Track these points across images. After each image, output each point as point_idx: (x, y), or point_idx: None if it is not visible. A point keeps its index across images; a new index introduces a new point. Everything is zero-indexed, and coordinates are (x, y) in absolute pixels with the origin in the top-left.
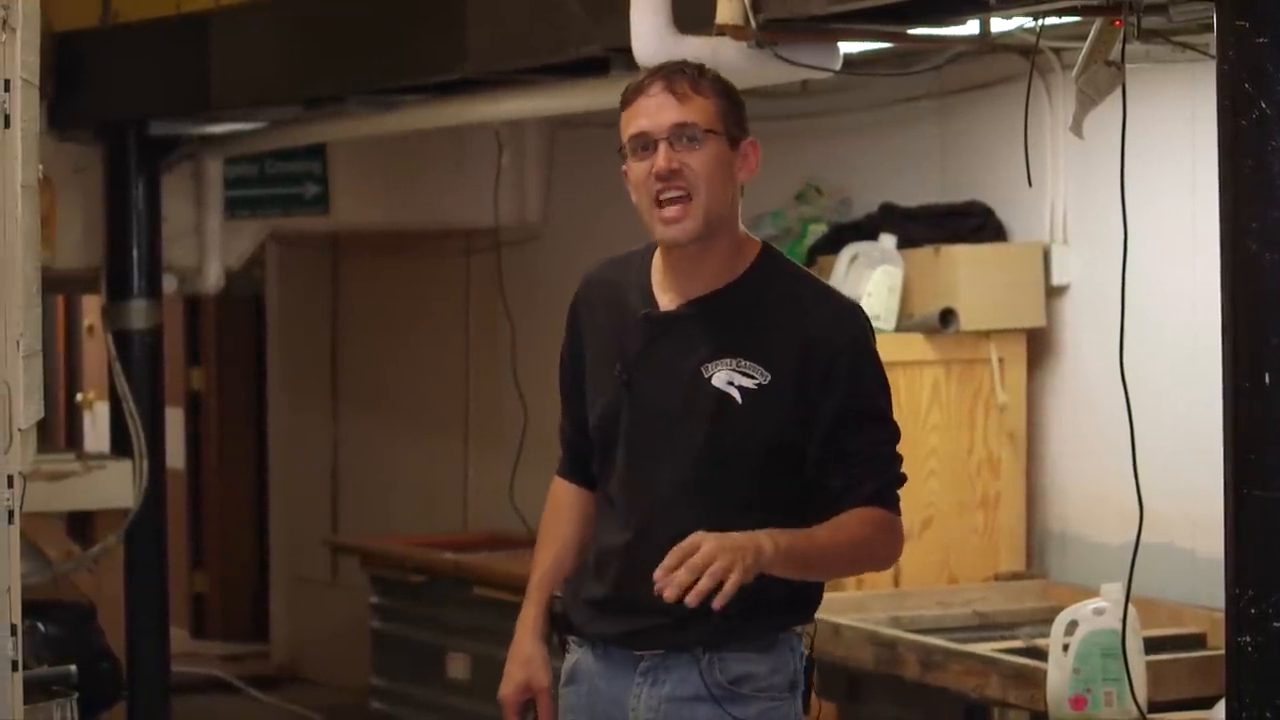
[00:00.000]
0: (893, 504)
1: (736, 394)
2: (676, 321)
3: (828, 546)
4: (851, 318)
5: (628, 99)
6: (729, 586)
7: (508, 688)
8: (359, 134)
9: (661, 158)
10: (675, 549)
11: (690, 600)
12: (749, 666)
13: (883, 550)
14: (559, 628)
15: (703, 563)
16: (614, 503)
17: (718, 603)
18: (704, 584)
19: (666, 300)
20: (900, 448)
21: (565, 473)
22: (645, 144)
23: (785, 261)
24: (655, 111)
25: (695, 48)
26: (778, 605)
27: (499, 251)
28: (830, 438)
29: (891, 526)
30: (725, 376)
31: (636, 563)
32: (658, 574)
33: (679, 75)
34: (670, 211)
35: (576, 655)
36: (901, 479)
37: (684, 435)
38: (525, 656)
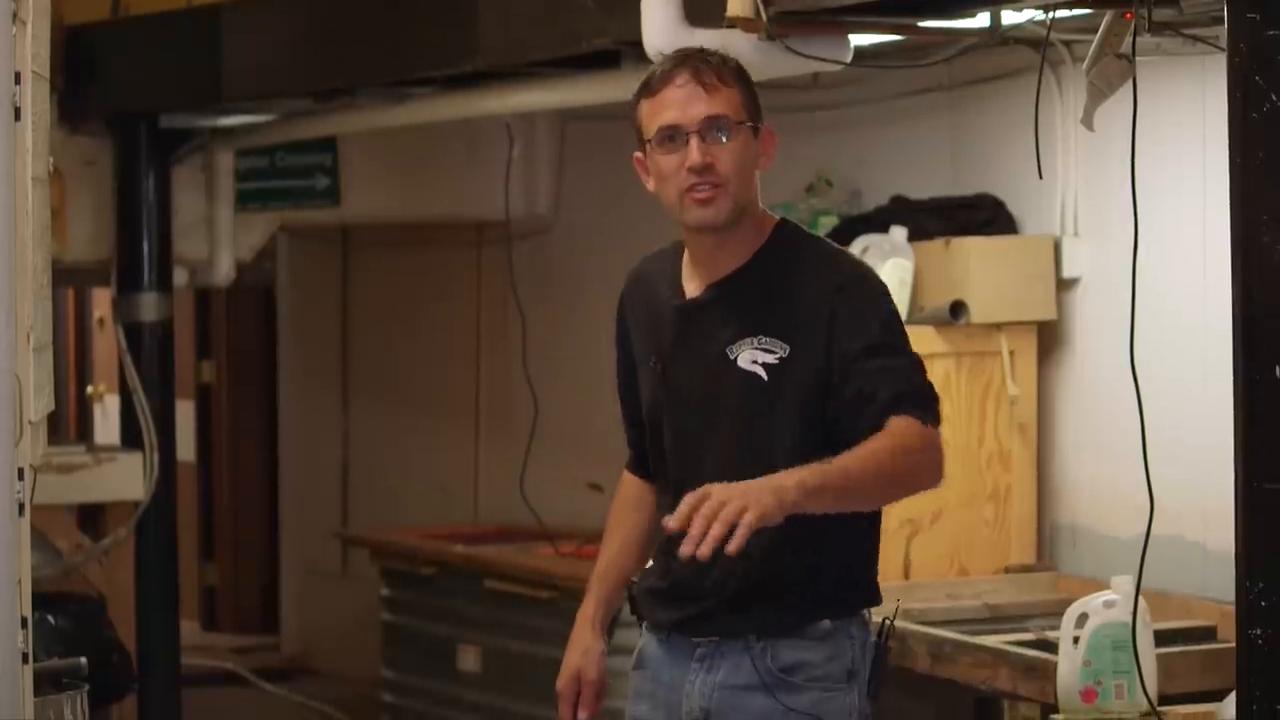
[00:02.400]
0: (919, 409)
1: (762, 371)
2: (700, 308)
3: (859, 470)
4: (850, 270)
5: (653, 88)
6: (743, 528)
7: (563, 679)
8: (370, 126)
9: (696, 152)
10: (685, 499)
11: (703, 551)
12: (802, 654)
13: (920, 461)
14: (633, 612)
15: (712, 510)
16: (667, 493)
17: (732, 546)
18: (716, 530)
19: (692, 288)
20: None
21: (631, 467)
22: (674, 135)
23: (799, 234)
24: (685, 103)
25: (706, 40)
26: (828, 591)
27: (510, 244)
28: (845, 380)
29: (922, 434)
30: (749, 356)
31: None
32: (667, 523)
33: (704, 65)
34: (702, 195)
35: (644, 640)
36: (930, 391)
37: (721, 419)
38: (582, 647)
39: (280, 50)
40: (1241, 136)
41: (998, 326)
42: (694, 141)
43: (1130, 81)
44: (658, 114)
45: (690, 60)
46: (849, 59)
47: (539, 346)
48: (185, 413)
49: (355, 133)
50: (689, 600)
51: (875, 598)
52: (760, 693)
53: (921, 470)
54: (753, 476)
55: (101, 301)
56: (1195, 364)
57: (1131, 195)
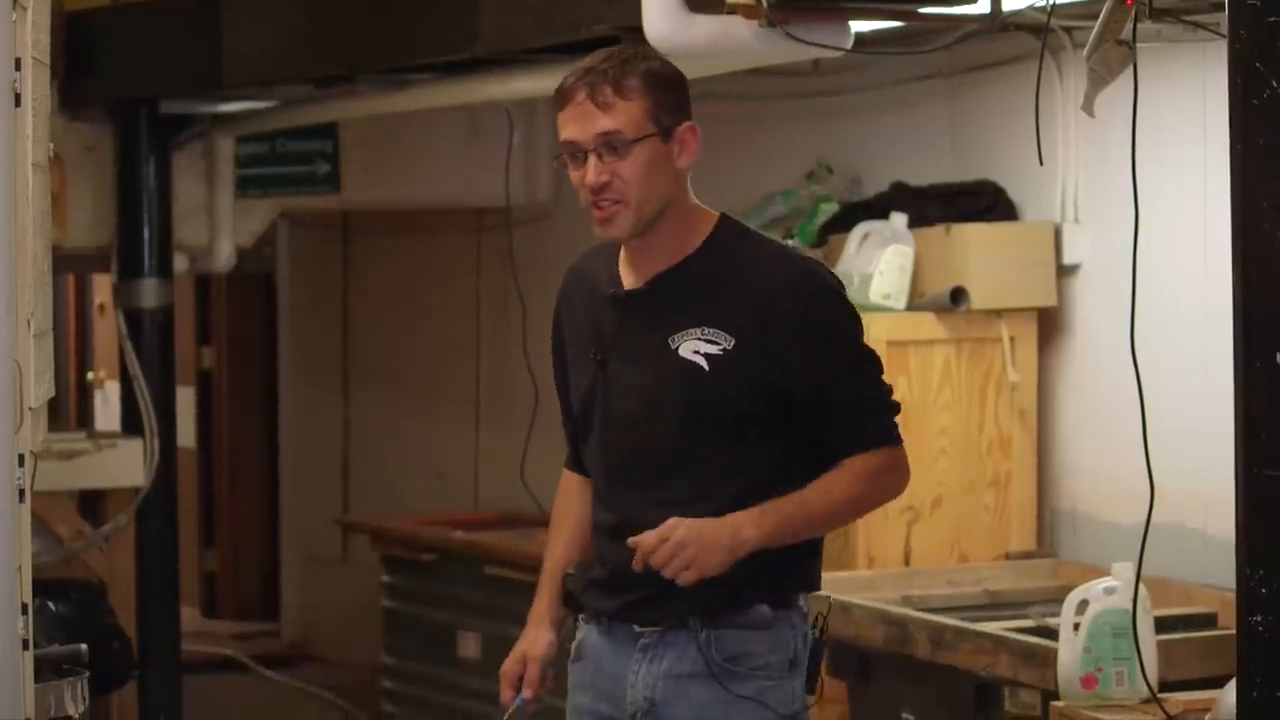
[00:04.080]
0: (890, 437)
1: (704, 361)
2: (641, 299)
3: (822, 509)
4: (804, 272)
5: (559, 102)
6: (686, 579)
7: (507, 662)
8: (370, 113)
9: (591, 171)
10: (645, 537)
11: (660, 573)
12: (746, 645)
13: (886, 488)
14: (570, 606)
15: (665, 556)
16: (600, 483)
17: (680, 581)
18: (667, 573)
19: (630, 280)
20: (910, 426)
21: (571, 464)
22: (575, 152)
23: (741, 230)
24: (582, 121)
25: (706, 27)
26: (768, 579)
27: (510, 230)
28: (811, 391)
29: (893, 460)
30: (691, 346)
31: (625, 539)
32: (635, 557)
33: (601, 80)
34: (602, 213)
35: (583, 632)
36: (894, 408)
37: (658, 408)
38: (530, 638)
39: (281, 36)
40: (1242, 123)
41: (998, 313)
42: (591, 160)
43: (1131, 68)
44: (562, 128)
45: (589, 75)
46: (849, 45)
47: (539, 333)
48: (186, 399)
49: (356, 119)
50: (628, 589)
51: (814, 584)
52: (706, 680)
53: (888, 490)
54: (686, 464)
55: (102, 288)
56: (1196, 350)
57: (1132, 182)
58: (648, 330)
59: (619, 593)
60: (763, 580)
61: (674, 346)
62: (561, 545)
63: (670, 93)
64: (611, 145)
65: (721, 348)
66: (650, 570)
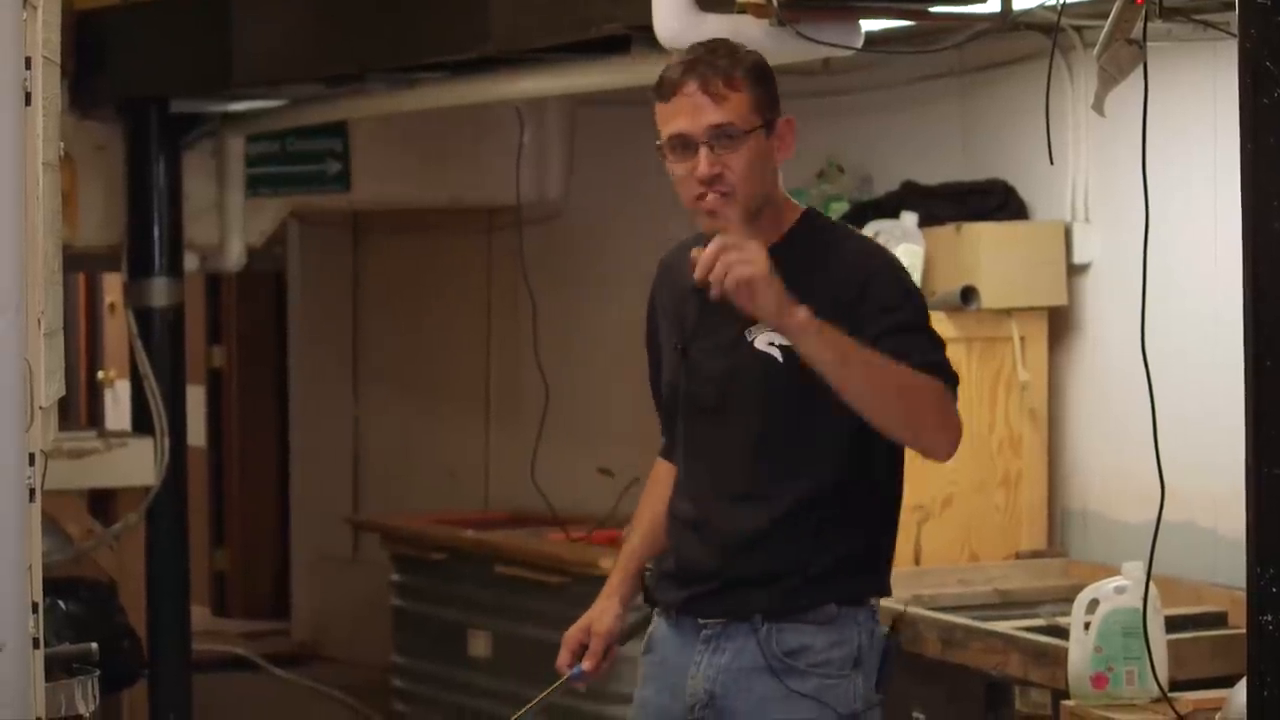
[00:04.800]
0: (942, 374)
1: (778, 353)
2: None
3: (863, 355)
4: (871, 256)
5: (663, 94)
6: (736, 274)
7: (571, 629)
8: (380, 112)
9: (704, 163)
10: (708, 249)
11: (699, 272)
12: (806, 639)
13: (930, 405)
14: (647, 599)
15: (715, 255)
16: (680, 471)
17: (727, 283)
18: (717, 271)
19: None
20: None
21: (663, 453)
22: (684, 144)
23: (825, 223)
24: (692, 113)
25: (716, 26)
26: (835, 576)
27: (520, 229)
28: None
29: (939, 391)
30: (767, 338)
31: (697, 530)
32: (693, 258)
33: (712, 72)
34: (711, 205)
35: (655, 625)
36: (952, 369)
37: (733, 399)
38: (599, 608)
39: (291, 35)
40: (1252, 122)
41: (1008, 312)
42: (702, 152)
43: (1141, 67)
44: (668, 121)
45: (699, 67)
46: (860, 44)
47: (550, 332)
48: (196, 398)
49: (366, 118)
50: (696, 580)
51: (885, 588)
52: (765, 675)
53: (926, 411)
54: (762, 455)
55: (112, 287)
56: (1206, 349)
57: (1142, 181)
58: (726, 322)
59: (686, 585)
60: (833, 580)
61: (750, 338)
62: (638, 533)
63: (771, 86)
64: (725, 136)
65: None
66: (717, 564)
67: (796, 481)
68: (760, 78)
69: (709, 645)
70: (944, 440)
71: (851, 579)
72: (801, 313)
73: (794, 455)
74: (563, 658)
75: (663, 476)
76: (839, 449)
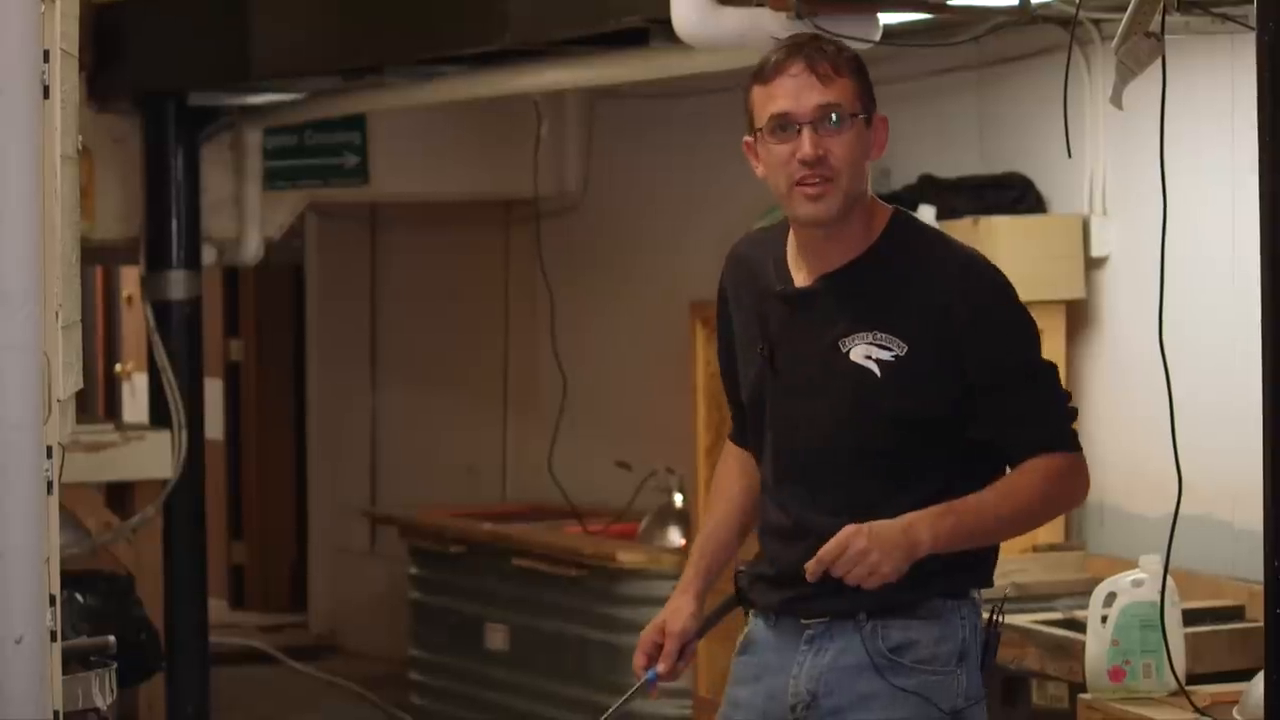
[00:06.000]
0: (1069, 443)
1: (875, 367)
2: (812, 297)
3: (997, 514)
4: (979, 275)
5: (766, 75)
6: (870, 584)
7: (646, 630)
8: (399, 104)
9: (808, 144)
10: (826, 547)
11: (825, 570)
12: (911, 634)
13: (1066, 494)
14: (741, 602)
15: (846, 565)
16: (769, 479)
17: (864, 587)
18: (850, 581)
19: (801, 277)
20: None
21: (733, 436)
22: (786, 125)
23: (916, 226)
24: (798, 92)
25: (734, 19)
26: (940, 570)
27: (538, 222)
28: (985, 397)
29: (1073, 466)
30: (863, 350)
31: (796, 539)
32: (808, 568)
33: (819, 55)
34: (813, 190)
35: (750, 626)
36: (1072, 414)
37: (827, 410)
38: (673, 607)
39: (309, 28)
40: (1270, 115)
41: (1026, 305)
42: (806, 132)
43: (1159, 60)
44: (770, 102)
45: (805, 49)
46: (878, 37)
47: (567, 325)
48: (214, 391)
49: (384, 111)
50: (798, 583)
51: (987, 579)
52: (869, 673)
53: (1069, 496)
54: (854, 467)
55: (130, 279)
56: (1224, 342)
57: (1160, 174)
58: (819, 331)
59: (787, 587)
60: (936, 577)
61: (845, 350)
62: (718, 519)
63: (869, 81)
64: (831, 118)
65: (894, 354)
66: (825, 575)
67: (900, 494)
68: (861, 70)
69: (812, 645)
70: (1080, 501)
71: (959, 573)
72: (924, 536)
73: (896, 468)
74: (638, 660)
75: (734, 465)
76: (939, 465)
